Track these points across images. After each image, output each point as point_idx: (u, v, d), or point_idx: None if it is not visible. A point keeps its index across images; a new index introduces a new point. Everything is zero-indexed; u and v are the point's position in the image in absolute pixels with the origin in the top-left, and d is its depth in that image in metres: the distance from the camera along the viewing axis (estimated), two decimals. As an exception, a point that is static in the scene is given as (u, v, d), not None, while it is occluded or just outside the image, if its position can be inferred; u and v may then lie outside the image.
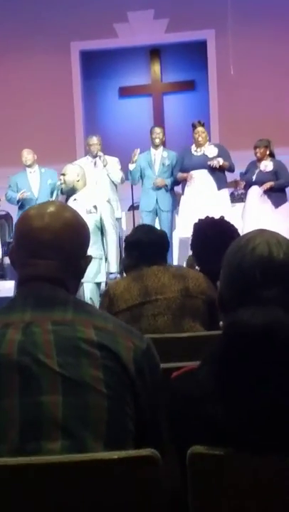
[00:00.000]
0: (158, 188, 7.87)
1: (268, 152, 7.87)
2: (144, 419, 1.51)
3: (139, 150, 7.91)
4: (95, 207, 5.32)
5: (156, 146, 8.01)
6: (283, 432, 1.28)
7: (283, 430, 1.28)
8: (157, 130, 8.07)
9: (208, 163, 7.54)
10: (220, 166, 7.55)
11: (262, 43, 10.24)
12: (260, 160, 7.87)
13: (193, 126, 7.79)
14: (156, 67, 11.21)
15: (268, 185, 7.70)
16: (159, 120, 11.04)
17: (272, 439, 1.28)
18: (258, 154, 7.84)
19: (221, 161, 7.55)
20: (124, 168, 8.10)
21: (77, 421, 1.42)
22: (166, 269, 3.14)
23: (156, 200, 7.85)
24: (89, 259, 1.67)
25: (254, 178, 7.81)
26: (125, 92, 11.21)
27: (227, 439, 1.29)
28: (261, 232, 1.44)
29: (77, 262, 1.63)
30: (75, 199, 5.37)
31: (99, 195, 5.75)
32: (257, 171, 7.82)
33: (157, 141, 7.98)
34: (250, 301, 1.35)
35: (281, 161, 7.96)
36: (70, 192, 5.41)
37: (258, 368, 1.29)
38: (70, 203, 5.34)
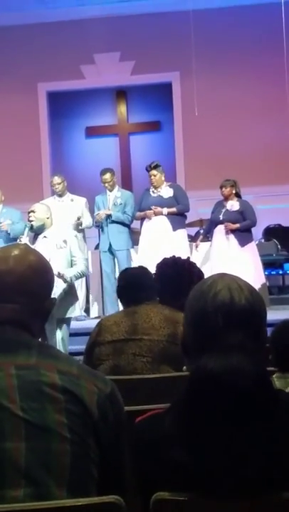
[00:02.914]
0: (109, 222, 7.85)
1: (233, 192, 7.97)
2: (107, 464, 1.50)
3: (103, 212, 7.90)
4: (65, 241, 5.39)
5: (109, 190, 8.05)
6: (247, 478, 1.28)
7: (247, 475, 1.28)
8: (105, 176, 8.00)
9: (152, 211, 7.63)
10: (168, 213, 7.65)
11: (225, 85, 10.45)
12: (226, 199, 7.97)
13: (147, 171, 7.89)
14: (123, 108, 11.35)
15: (232, 226, 7.78)
16: (125, 160, 11.14)
17: (236, 485, 1.28)
18: (224, 193, 7.94)
19: (165, 211, 7.64)
20: (91, 207, 8.14)
21: (40, 467, 1.41)
22: (160, 311, 3.14)
23: (110, 240, 7.88)
24: (53, 301, 1.67)
25: (221, 217, 7.89)
26: (92, 132, 11.31)
27: (192, 484, 1.29)
28: (222, 276, 1.45)
29: (42, 304, 1.63)
30: (44, 236, 5.42)
31: (67, 231, 5.80)
32: (224, 210, 7.91)
33: (107, 185, 8.00)
34: (213, 346, 1.36)
35: (247, 202, 8.07)
36: (40, 229, 5.45)
37: (221, 415, 1.29)
38: (40, 240, 5.39)
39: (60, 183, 8.14)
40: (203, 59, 10.15)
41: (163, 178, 7.87)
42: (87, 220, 8.05)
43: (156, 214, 7.66)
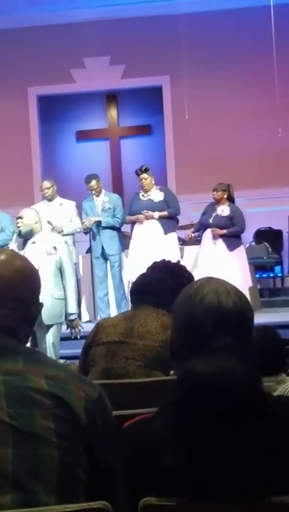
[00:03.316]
0: (99, 228, 7.84)
1: (225, 196, 7.96)
2: (96, 469, 1.50)
3: (93, 218, 7.88)
4: (55, 248, 5.33)
5: (96, 196, 8.04)
6: (242, 479, 1.28)
7: (242, 477, 1.28)
8: (91, 184, 7.99)
9: (143, 215, 7.63)
10: (159, 216, 7.66)
11: (215, 88, 10.48)
12: (217, 202, 7.97)
13: (137, 174, 7.88)
14: (113, 112, 11.36)
15: (219, 232, 7.79)
16: (116, 163, 11.15)
17: (232, 487, 1.28)
18: (215, 196, 7.95)
19: (156, 214, 7.65)
20: (81, 211, 8.13)
21: (27, 473, 1.40)
22: (159, 316, 3.11)
23: (102, 246, 7.89)
24: (40, 306, 1.67)
25: (211, 220, 7.89)
26: (83, 136, 11.31)
27: (183, 487, 1.29)
28: (209, 280, 1.46)
29: (29, 309, 1.63)
30: (33, 242, 5.35)
31: (57, 237, 5.74)
32: (214, 214, 7.91)
33: (93, 192, 8.00)
34: (202, 350, 1.36)
35: (238, 207, 8.07)
36: (28, 235, 5.37)
37: (212, 417, 1.29)
38: (29, 246, 5.33)
39: (49, 188, 8.11)
40: (193, 63, 10.17)
41: (153, 182, 7.88)
42: (72, 226, 7.99)
43: (147, 218, 7.66)
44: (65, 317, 5.33)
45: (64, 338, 5.65)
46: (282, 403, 1.37)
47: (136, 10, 10.45)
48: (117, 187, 10.59)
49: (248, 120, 10.42)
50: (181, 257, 7.91)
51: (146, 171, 7.84)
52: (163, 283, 3.27)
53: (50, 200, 8.13)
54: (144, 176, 7.82)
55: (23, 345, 1.58)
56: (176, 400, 1.34)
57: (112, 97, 11.31)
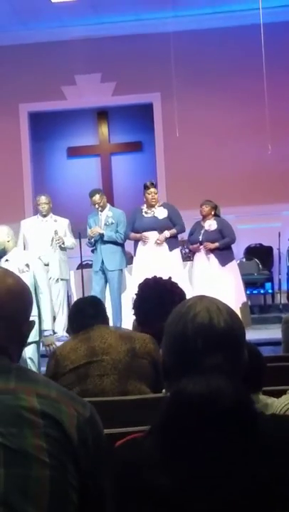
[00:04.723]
0: (101, 242, 7.83)
1: (212, 212, 8.00)
2: (87, 489, 1.49)
3: (96, 229, 7.87)
4: (27, 265, 5.30)
5: (100, 211, 8.02)
6: (227, 501, 1.27)
7: (227, 499, 1.27)
8: (94, 198, 7.95)
9: (157, 241, 7.63)
10: (169, 235, 7.67)
11: (206, 106, 10.55)
12: (204, 218, 7.99)
13: (146, 188, 7.85)
14: (104, 129, 11.40)
15: (211, 246, 7.80)
16: (107, 180, 11.18)
17: (211, 508, 1.27)
18: (203, 212, 7.98)
19: (167, 234, 7.67)
20: (73, 227, 8.13)
21: (19, 494, 1.39)
22: (114, 331, 3.17)
23: (102, 260, 7.84)
24: (32, 324, 1.66)
25: (200, 237, 7.92)
26: (73, 153, 11.35)
27: (169, 507, 1.28)
28: (201, 298, 1.45)
29: (20, 327, 1.62)
30: (6, 260, 5.34)
31: (29, 254, 5.74)
32: (202, 231, 7.94)
33: (97, 206, 7.96)
34: (192, 369, 1.36)
35: (224, 219, 8.11)
36: (0, 253, 5.37)
37: (201, 438, 1.29)
38: (2, 263, 5.31)
39: (47, 203, 8.15)
40: (183, 80, 10.24)
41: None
42: (69, 241, 8.05)
43: (161, 242, 7.63)
44: (40, 335, 5.29)
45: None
46: (273, 423, 1.36)
47: (127, 28, 10.53)
48: (108, 203, 10.58)
49: (238, 137, 10.48)
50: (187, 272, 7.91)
51: (154, 185, 7.87)
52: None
53: (44, 215, 8.14)
54: (155, 190, 7.83)
55: (14, 364, 1.57)
56: (165, 420, 1.33)
57: (103, 114, 11.36)
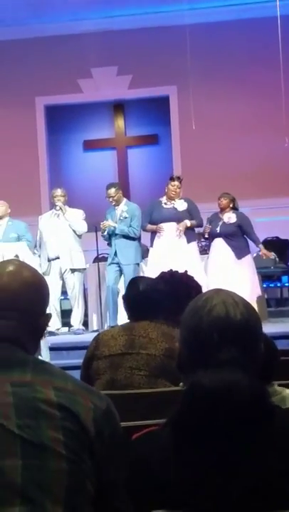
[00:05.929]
0: (115, 235, 7.81)
1: (231, 205, 7.97)
2: (103, 481, 1.49)
3: (108, 222, 7.87)
4: (17, 256, 5.31)
5: (115, 205, 7.98)
6: (239, 496, 1.27)
7: (239, 494, 1.27)
8: (110, 191, 7.92)
9: (176, 234, 7.62)
10: (189, 225, 7.66)
11: (222, 98, 10.51)
12: (222, 210, 7.96)
13: (171, 179, 7.85)
14: (120, 122, 11.38)
15: (269, 254, 8.18)
16: (123, 173, 11.16)
17: (228, 504, 1.27)
18: (221, 205, 7.95)
19: (188, 222, 7.66)
20: (89, 220, 8.13)
21: (36, 485, 1.39)
22: (158, 326, 3.13)
23: (116, 252, 7.81)
24: (48, 317, 1.67)
25: (218, 229, 7.88)
26: (90, 146, 11.34)
27: (183, 503, 1.28)
28: (217, 292, 1.45)
29: (37, 321, 1.62)
30: None
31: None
32: (220, 223, 7.91)
33: (111, 200, 7.94)
34: (208, 362, 1.36)
35: (243, 213, 8.08)
36: None
37: (215, 431, 1.28)
38: None
39: (63, 196, 8.16)
40: (200, 73, 10.20)
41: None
42: (79, 225, 8.03)
43: (182, 230, 7.63)
44: None
45: (71, 348, 5.64)
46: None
47: (143, 20, 10.50)
48: (124, 196, 10.57)
49: (255, 130, 10.43)
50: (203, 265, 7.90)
51: (180, 179, 7.87)
52: (156, 295, 3.23)
53: (55, 208, 8.16)
54: (178, 184, 7.82)
55: (31, 356, 1.58)
56: (182, 413, 1.33)
57: (119, 107, 11.34)
